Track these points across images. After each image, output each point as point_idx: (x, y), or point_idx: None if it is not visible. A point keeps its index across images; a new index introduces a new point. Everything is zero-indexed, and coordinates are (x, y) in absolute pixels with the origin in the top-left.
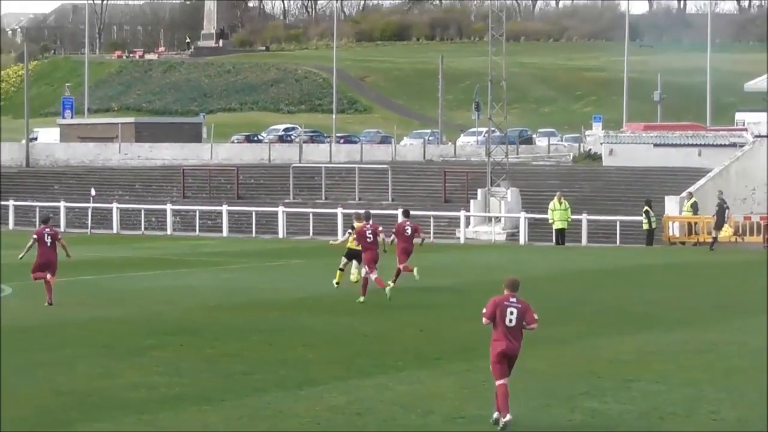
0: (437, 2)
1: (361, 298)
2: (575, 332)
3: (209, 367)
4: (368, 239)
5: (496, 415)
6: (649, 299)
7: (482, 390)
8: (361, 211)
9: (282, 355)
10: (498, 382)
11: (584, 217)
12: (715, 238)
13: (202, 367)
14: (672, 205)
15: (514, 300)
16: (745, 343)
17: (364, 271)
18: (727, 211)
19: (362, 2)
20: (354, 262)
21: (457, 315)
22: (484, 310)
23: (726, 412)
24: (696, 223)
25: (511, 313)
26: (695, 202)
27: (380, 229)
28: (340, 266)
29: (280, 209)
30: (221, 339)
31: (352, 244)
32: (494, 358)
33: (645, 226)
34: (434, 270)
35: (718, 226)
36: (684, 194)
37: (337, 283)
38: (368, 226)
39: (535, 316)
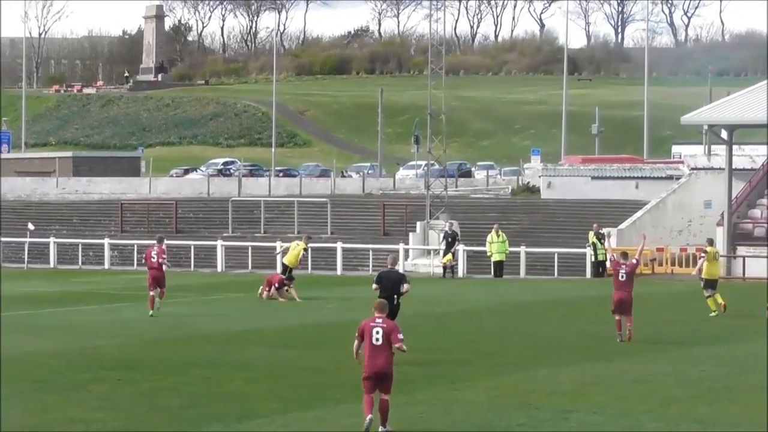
0: (377, 36)
1: (151, 312)
2: (513, 364)
3: (146, 401)
4: (152, 259)
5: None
6: (587, 331)
7: (421, 422)
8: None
9: (220, 389)
10: (366, 395)
11: (522, 250)
12: (446, 266)
13: (139, 401)
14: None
15: (380, 320)
16: (682, 374)
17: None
18: (457, 242)
19: (302, 36)
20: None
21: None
22: (357, 333)
23: None
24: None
25: (377, 332)
26: (601, 233)
27: (164, 255)
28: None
29: (219, 243)
30: (159, 373)
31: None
32: (364, 375)
33: (593, 258)
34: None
35: (445, 254)
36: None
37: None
38: (155, 249)
39: (400, 336)
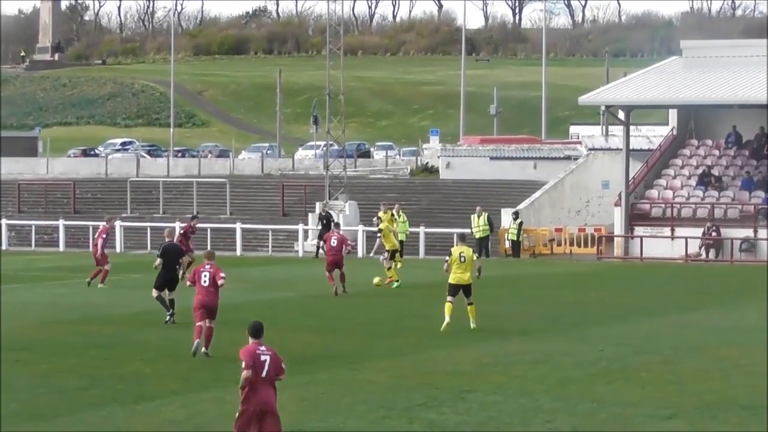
0: (275, 16)
1: None
2: (412, 344)
3: (44, 382)
4: None
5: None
6: (485, 311)
7: (321, 402)
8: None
9: (118, 370)
10: (197, 324)
11: (422, 230)
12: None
13: (38, 383)
14: (508, 218)
15: (208, 266)
16: (580, 354)
17: None
18: (333, 224)
19: (199, 16)
20: None
21: (297, 327)
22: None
23: (561, 422)
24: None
25: (205, 275)
26: (488, 216)
27: None
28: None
29: (118, 224)
30: (57, 354)
31: None
32: (196, 306)
33: (512, 237)
34: (272, 283)
35: (320, 236)
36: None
37: None
38: None
39: (222, 274)
